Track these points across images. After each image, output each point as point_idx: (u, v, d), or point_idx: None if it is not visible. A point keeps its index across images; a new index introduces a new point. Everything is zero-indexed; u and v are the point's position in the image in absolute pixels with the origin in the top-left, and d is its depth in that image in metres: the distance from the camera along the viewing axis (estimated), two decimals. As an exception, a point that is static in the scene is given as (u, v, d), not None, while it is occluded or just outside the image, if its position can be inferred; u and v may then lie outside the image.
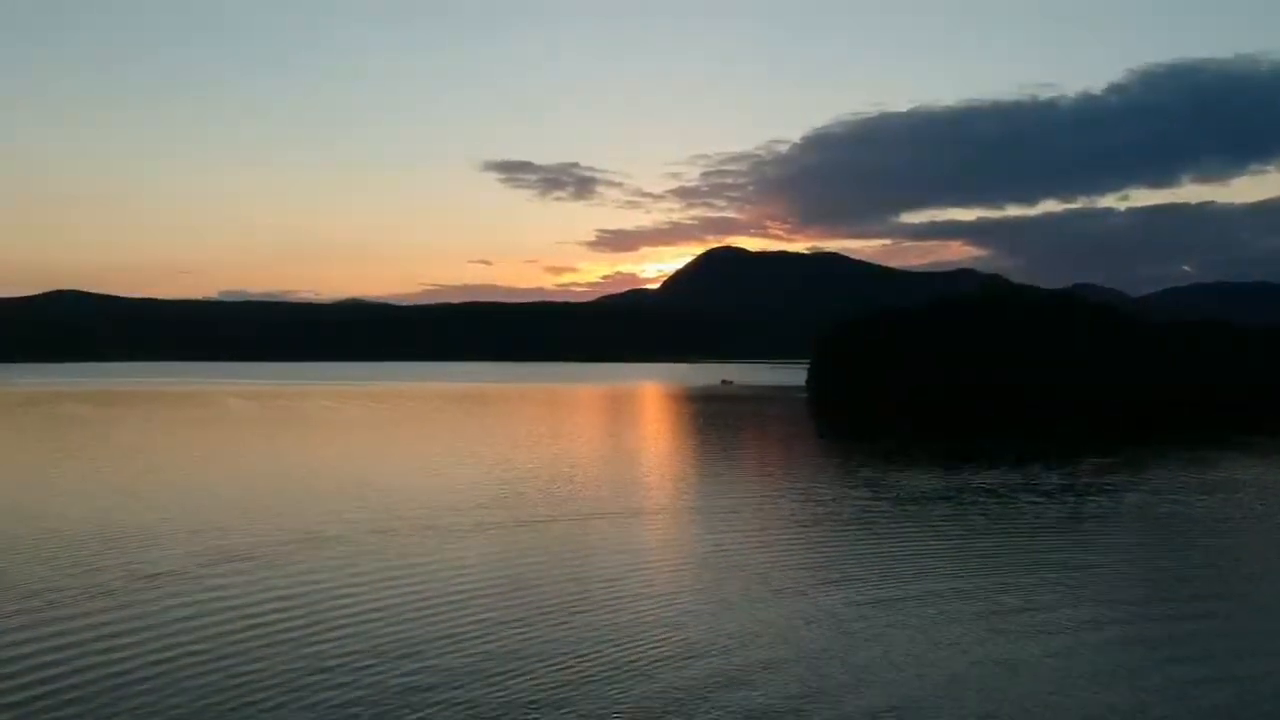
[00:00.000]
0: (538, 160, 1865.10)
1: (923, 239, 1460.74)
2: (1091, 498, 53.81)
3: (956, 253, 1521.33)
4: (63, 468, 65.80)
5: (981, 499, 53.15)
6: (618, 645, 26.49)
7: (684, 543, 41.44)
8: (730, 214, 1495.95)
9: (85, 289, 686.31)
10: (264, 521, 44.56)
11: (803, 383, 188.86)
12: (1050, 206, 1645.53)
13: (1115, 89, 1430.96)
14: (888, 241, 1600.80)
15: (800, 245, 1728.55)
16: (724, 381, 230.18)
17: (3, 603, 30.45)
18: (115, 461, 69.38)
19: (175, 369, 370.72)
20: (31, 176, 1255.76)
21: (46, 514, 46.33)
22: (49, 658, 25.10)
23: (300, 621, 28.65)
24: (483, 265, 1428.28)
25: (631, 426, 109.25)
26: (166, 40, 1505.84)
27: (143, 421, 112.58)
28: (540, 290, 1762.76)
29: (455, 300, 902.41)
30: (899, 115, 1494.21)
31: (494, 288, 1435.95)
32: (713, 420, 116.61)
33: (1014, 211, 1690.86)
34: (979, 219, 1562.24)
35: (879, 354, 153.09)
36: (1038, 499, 53.17)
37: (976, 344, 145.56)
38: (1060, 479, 61.44)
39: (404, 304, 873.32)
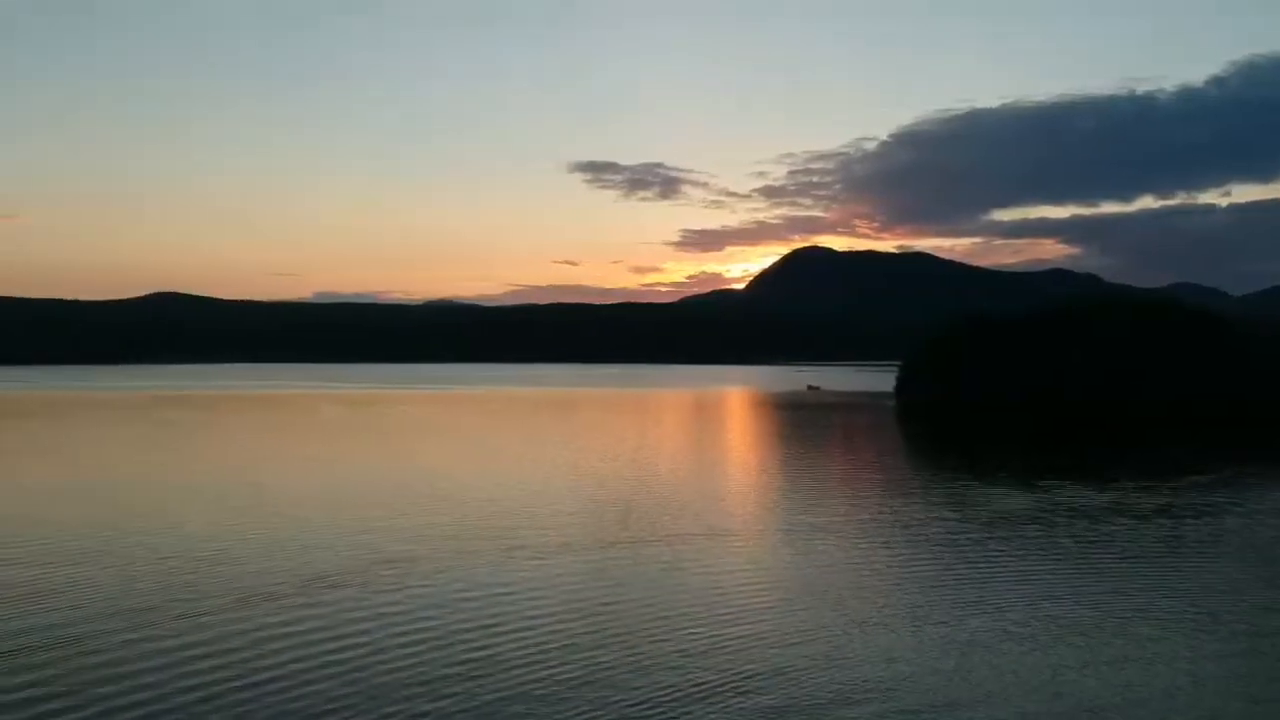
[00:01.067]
0: (623, 161, 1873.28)
1: (1014, 237, 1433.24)
2: (1189, 520, 52.81)
3: (1049, 251, 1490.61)
4: (196, 475, 68.59)
5: (1075, 519, 52.53)
6: (712, 665, 27.25)
7: (775, 564, 41.91)
8: (817, 213, 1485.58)
9: (185, 291, 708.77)
10: (349, 541, 46.08)
11: (891, 388, 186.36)
12: (1147, 203, 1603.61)
13: (1216, 81, 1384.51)
14: (978, 240, 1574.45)
15: (888, 244, 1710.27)
16: (810, 387, 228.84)
17: (180, 612, 32.24)
18: (216, 469, 72.09)
19: (272, 371, 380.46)
20: (129, 178, 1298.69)
21: (208, 526, 48.57)
22: (247, 660, 26.66)
23: (402, 640, 29.91)
24: (568, 266, 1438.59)
25: (717, 438, 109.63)
26: (259, 44, 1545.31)
27: (246, 428, 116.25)
28: (624, 290, 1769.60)
29: (541, 301, 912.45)
30: (990, 111, 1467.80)
31: (579, 288, 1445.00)
32: (799, 431, 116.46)
33: (1109, 209, 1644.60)
34: (1073, 216, 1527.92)
35: (972, 362, 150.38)
36: (1133, 521, 52.41)
37: (1076, 353, 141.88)
38: (1157, 499, 60.25)
39: (490, 304, 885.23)
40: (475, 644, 29.78)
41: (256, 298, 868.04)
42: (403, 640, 30.10)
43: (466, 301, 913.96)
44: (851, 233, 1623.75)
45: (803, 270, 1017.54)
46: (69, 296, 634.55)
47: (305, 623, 32.05)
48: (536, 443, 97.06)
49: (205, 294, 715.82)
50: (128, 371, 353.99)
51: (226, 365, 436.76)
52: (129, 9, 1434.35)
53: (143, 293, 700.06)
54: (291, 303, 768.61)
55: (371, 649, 29.26)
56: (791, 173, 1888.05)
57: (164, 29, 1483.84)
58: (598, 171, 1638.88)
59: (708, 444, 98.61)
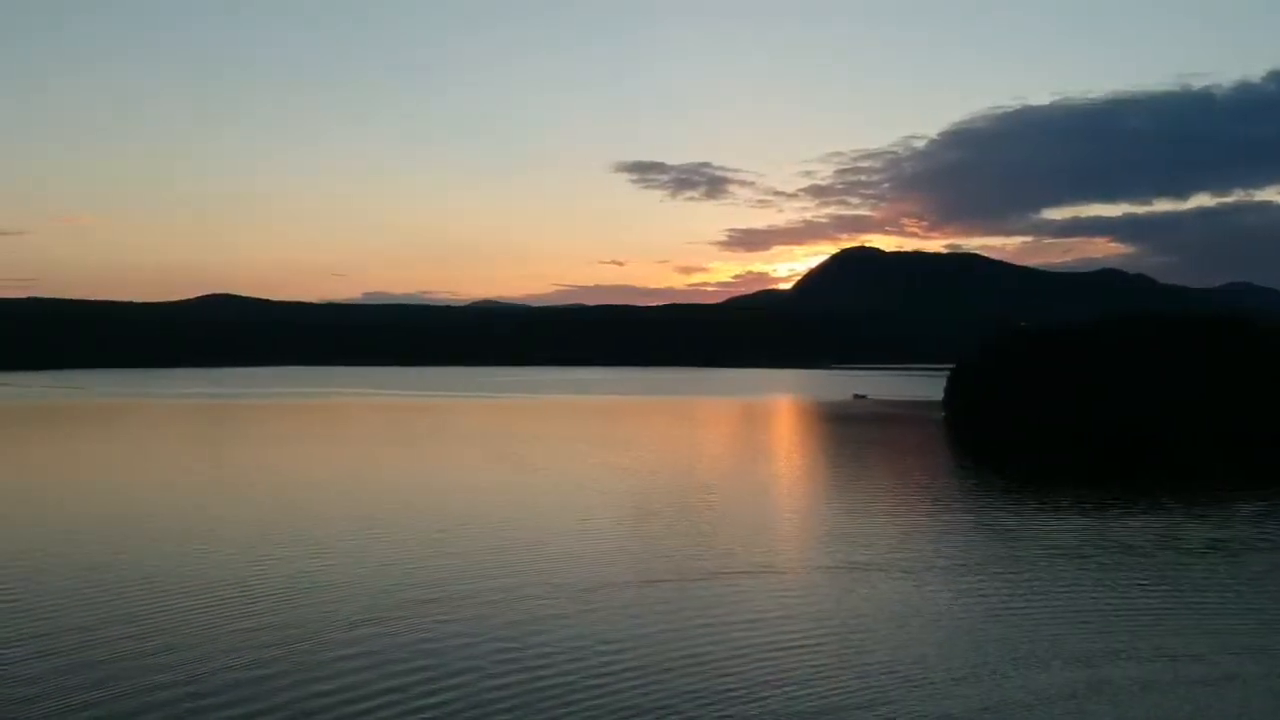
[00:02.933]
0: (669, 161, 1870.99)
1: (1065, 236, 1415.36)
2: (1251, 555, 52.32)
3: (1101, 250, 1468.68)
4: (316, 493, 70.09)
5: (1132, 553, 52.20)
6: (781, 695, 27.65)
7: (825, 600, 42.09)
8: (864, 212, 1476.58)
9: (237, 293, 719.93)
10: (439, 574, 46.95)
11: (940, 397, 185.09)
12: (1203, 201, 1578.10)
13: (1275, 76, 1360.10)
14: (1028, 239, 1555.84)
15: (937, 243, 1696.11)
16: (857, 396, 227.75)
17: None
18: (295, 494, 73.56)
19: (324, 377, 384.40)
20: (184, 179, 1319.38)
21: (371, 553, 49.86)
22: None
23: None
24: (614, 266, 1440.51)
25: (768, 459, 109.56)
26: (310, 45, 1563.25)
27: (348, 442, 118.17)
28: (670, 290, 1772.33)
29: (588, 301, 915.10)
30: (1041, 109, 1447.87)
31: (625, 288, 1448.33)
32: (846, 448, 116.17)
33: (1163, 207, 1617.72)
34: (1125, 215, 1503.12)
35: (1022, 376, 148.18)
36: (1191, 557, 52.10)
37: (1133, 370, 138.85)
38: (1227, 531, 59.57)
39: (537, 305, 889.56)
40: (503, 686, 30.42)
41: (307, 299, 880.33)
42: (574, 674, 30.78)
43: (513, 302, 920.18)
44: (899, 232, 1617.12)
45: (850, 270, 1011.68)
46: (125, 298, 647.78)
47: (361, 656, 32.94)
48: (582, 465, 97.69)
49: (257, 295, 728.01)
50: (188, 377, 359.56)
51: (279, 369, 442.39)
52: (185, 12, 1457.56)
53: (197, 294, 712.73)
54: (341, 304, 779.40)
55: (481, 677, 29.97)
56: (839, 171, 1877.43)
57: (218, 31, 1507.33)
58: (644, 171, 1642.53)
59: (761, 467, 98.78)
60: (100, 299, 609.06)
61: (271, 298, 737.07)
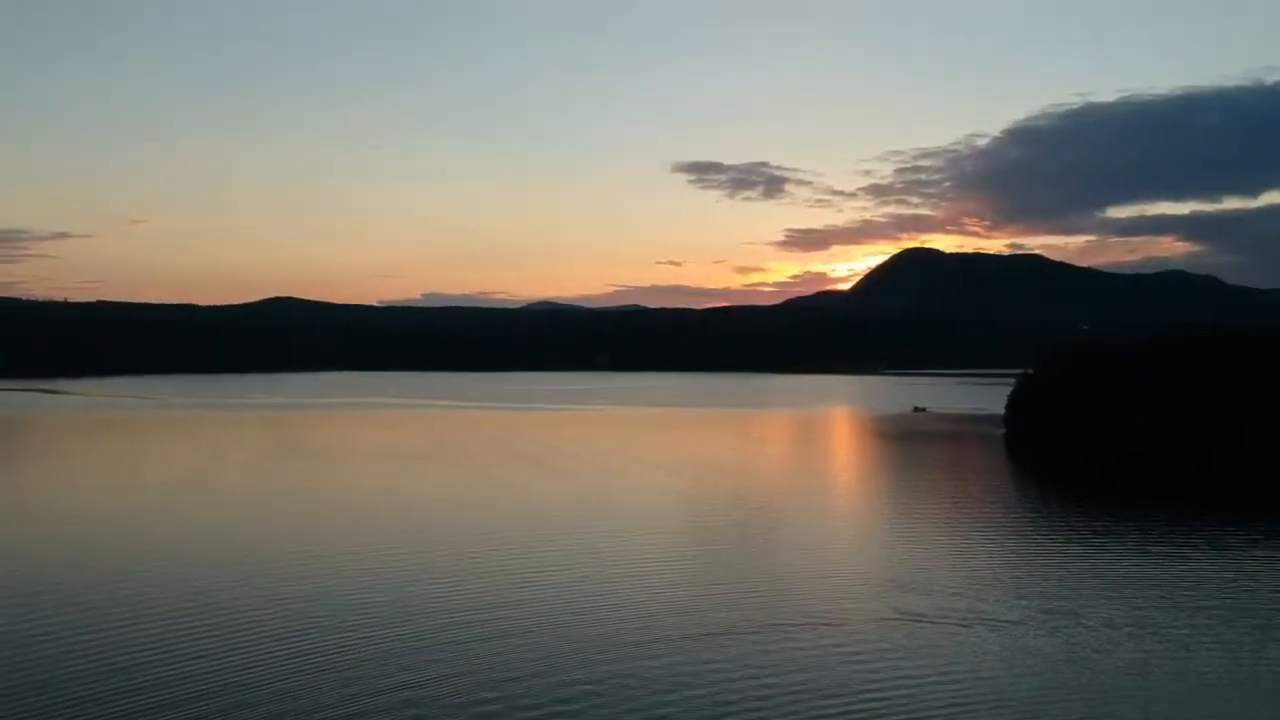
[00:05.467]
0: (727, 160, 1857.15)
1: (1130, 235, 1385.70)
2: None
3: (1166, 249, 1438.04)
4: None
5: (1225, 595, 51.13)
6: None
7: (893, 657, 41.88)
8: (925, 211, 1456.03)
9: (299, 296, 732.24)
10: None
11: (1001, 409, 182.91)
12: (1274, 198, 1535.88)
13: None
14: (1091, 238, 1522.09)
15: (999, 242, 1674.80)
16: (916, 409, 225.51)
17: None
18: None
19: (380, 383, 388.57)
20: (240, 182, 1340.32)
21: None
22: None
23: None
24: (671, 266, 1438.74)
25: (820, 488, 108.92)
26: (368, 48, 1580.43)
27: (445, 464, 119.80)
28: (727, 291, 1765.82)
29: (644, 302, 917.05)
30: (1106, 106, 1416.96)
31: (682, 288, 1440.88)
32: (908, 475, 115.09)
33: (1232, 204, 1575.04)
34: (1193, 213, 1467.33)
35: (1089, 393, 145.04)
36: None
37: (1211, 387, 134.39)
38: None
39: (593, 306, 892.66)
40: None
41: (366, 300, 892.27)
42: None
43: (569, 302, 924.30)
44: (960, 231, 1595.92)
45: (909, 271, 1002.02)
46: (189, 300, 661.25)
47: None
48: (647, 488, 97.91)
49: (318, 298, 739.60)
50: (252, 385, 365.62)
51: (339, 374, 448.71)
52: (243, 15, 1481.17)
53: (260, 297, 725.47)
54: (399, 306, 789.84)
55: None
56: (899, 170, 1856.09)
57: (278, 35, 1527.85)
58: (701, 172, 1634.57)
59: (819, 500, 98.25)
60: (165, 302, 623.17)
61: (332, 300, 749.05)
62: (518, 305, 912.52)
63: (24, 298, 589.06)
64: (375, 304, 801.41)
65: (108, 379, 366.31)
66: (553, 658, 43.98)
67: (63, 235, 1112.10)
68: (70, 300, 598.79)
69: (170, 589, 55.82)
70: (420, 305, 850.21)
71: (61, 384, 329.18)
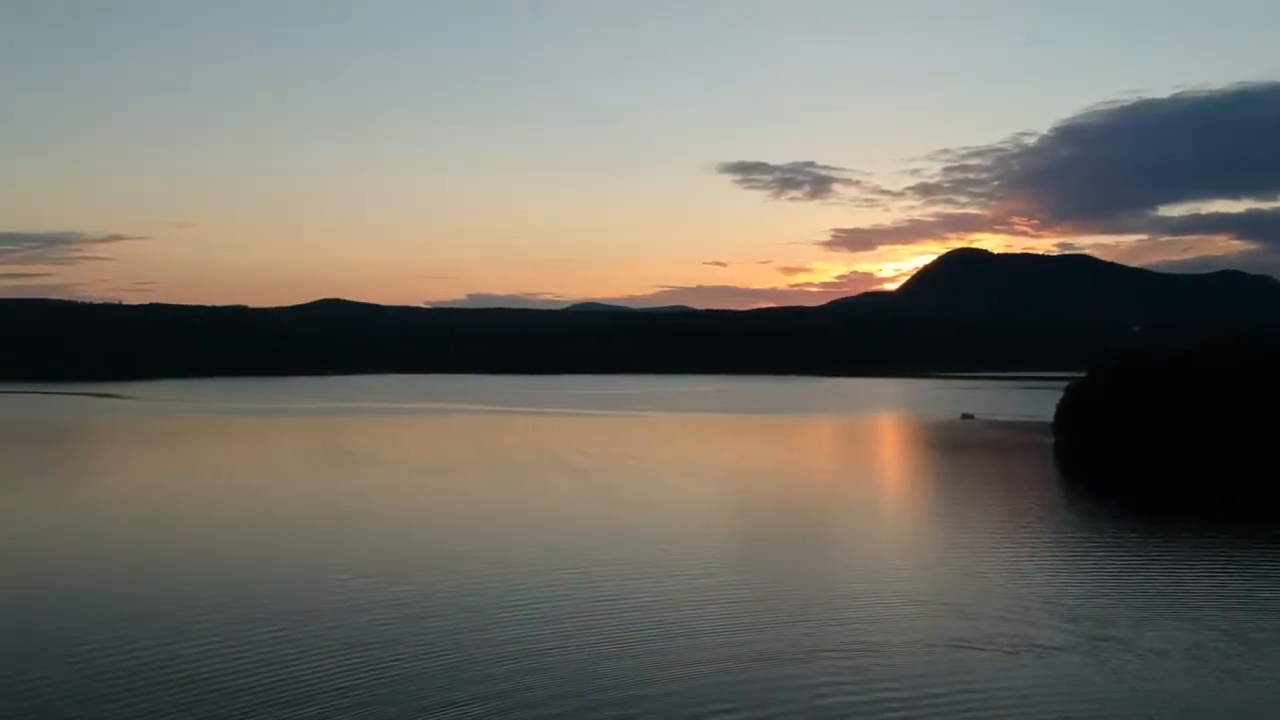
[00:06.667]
0: (773, 160, 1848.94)
1: (1183, 234, 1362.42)
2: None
3: (1220, 248, 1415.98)
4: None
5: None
6: None
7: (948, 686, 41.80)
8: (973, 210, 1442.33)
9: (348, 298, 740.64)
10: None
11: (1050, 415, 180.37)
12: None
13: None
14: (1143, 237, 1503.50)
15: (1048, 242, 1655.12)
16: (964, 416, 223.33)
17: None
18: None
19: (429, 387, 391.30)
20: (290, 184, 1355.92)
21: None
22: None
23: None
24: (716, 266, 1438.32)
25: (866, 503, 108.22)
26: (417, 47, 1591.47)
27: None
28: (773, 291, 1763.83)
29: (689, 302, 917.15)
30: (1159, 102, 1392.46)
31: (727, 289, 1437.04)
32: (953, 484, 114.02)
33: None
34: (1249, 210, 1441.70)
35: (1145, 403, 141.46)
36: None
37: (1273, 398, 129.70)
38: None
39: (638, 306, 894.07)
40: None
41: (413, 302, 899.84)
42: None
43: (614, 303, 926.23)
44: (1009, 230, 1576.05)
45: (957, 271, 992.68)
46: (240, 302, 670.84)
47: None
48: (694, 502, 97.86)
49: (367, 300, 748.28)
50: (305, 389, 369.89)
51: (387, 376, 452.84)
52: (292, 16, 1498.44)
53: (309, 299, 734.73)
54: (445, 308, 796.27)
55: None
56: (947, 169, 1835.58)
57: (327, 36, 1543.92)
58: (747, 172, 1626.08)
59: (864, 521, 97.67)
60: (216, 304, 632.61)
61: (379, 301, 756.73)
62: (562, 306, 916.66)
63: (79, 300, 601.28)
64: (422, 305, 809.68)
65: (159, 382, 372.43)
66: (588, 678, 44.10)
67: (116, 238, 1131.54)
68: (124, 303, 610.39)
69: (237, 595, 56.58)
70: (466, 306, 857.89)
71: (114, 387, 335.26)
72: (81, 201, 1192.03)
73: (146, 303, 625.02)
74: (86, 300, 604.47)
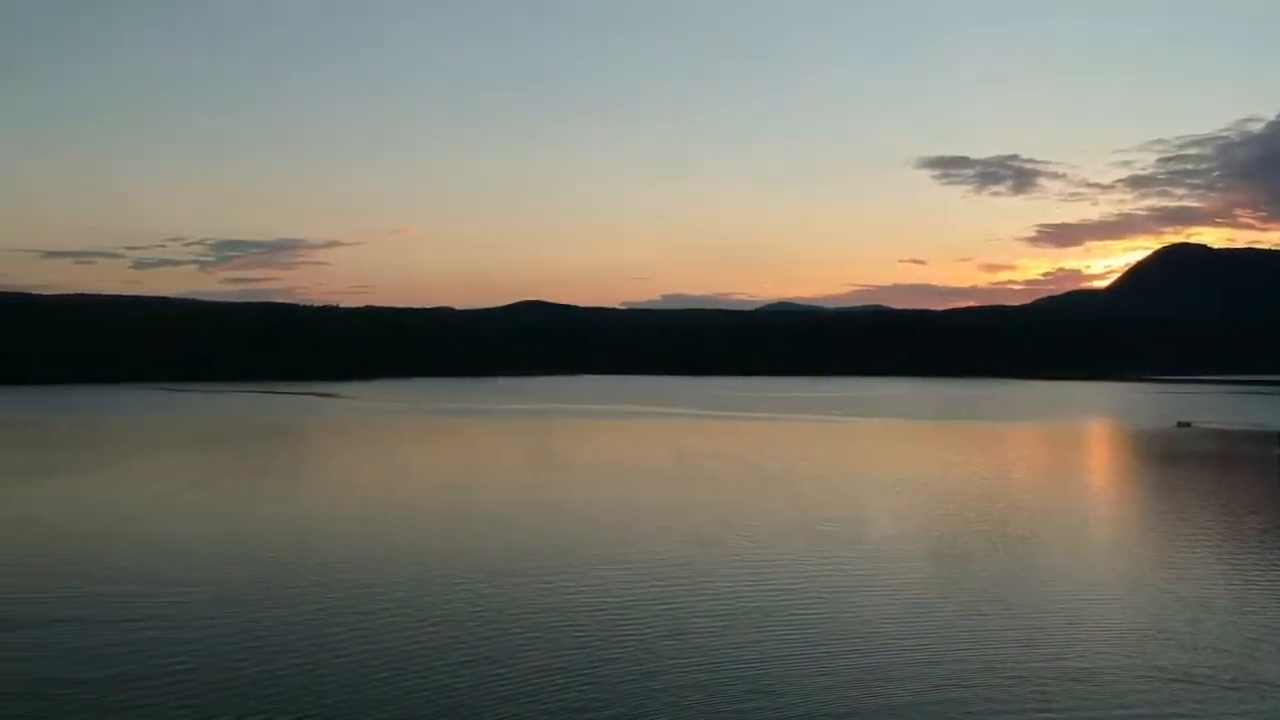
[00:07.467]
0: (974, 154, 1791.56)
1: None
2: None
3: None
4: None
5: None
6: None
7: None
8: (1191, 203, 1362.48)
9: (546, 299, 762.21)
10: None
11: (1277, 424, 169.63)
12: None
13: None
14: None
15: (1275, 235, 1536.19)
16: (1180, 424, 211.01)
17: None
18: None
19: (624, 386, 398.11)
20: (491, 189, 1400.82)
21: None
22: None
23: None
24: (914, 264, 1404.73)
25: (1072, 513, 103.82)
26: (608, 49, 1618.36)
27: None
28: (974, 290, 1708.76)
29: (886, 301, 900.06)
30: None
31: (926, 287, 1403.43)
32: (1168, 500, 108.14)
33: None
34: None
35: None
36: None
37: None
38: None
39: (833, 306, 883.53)
40: None
41: (609, 303, 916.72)
42: None
43: (807, 302, 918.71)
44: (1231, 224, 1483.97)
45: (1173, 268, 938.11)
46: (445, 304, 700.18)
47: None
48: (890, 523, 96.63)
49: (563, 301, 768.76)
50: (508, 388, 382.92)
51: (583, 377, 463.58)
52: (496, 26, 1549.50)
53: (510, 300, 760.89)
54: (640, 308, 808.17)
55: None
56: (1161, 160, 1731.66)
57: (529, 44, 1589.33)
58: (946, 167, 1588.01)
59: (1073, 527, 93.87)
60: (425, 306, 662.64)
61: (576, 303, 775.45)
62: (756, 306, 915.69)
63: (301, 304, 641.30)
64: (618, 306, 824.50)
65: (373, 382, 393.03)
66: (777, 693, 44.19)
67: (334, 243, 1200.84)
68: (341, 305, 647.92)
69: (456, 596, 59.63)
70: (660, 307, 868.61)
71: (333, 387, 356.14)
72: (303, 210, 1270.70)
73: (362, 305, 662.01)
74: (307, 303, 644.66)
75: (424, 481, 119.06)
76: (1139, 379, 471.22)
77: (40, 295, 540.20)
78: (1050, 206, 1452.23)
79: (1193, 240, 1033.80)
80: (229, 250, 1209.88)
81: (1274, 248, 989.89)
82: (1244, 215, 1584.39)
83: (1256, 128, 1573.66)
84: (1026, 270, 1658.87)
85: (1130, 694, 45.79)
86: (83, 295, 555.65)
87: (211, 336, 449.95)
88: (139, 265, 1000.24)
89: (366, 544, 78.49)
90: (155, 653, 49.95)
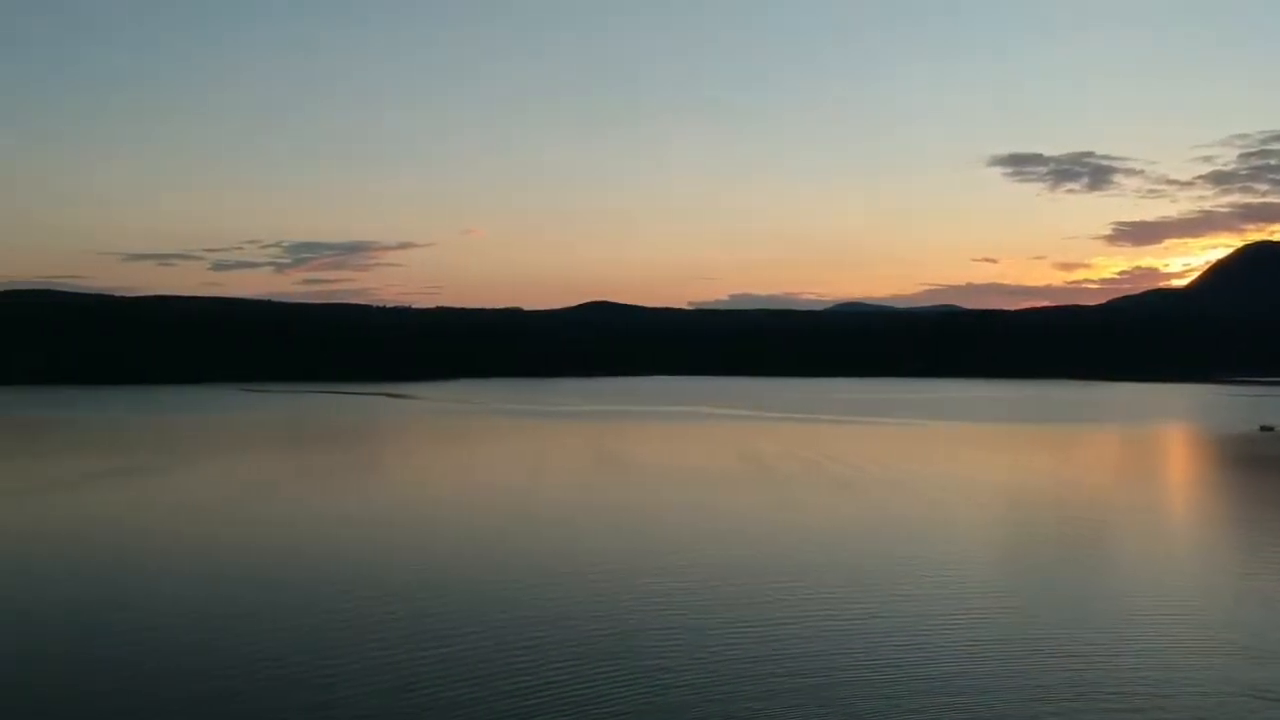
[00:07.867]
0: (1048, 151, 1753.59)
1: None
2: None
3: None
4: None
5: None
6: None
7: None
8: (1274, 199, 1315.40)
9: (613, 300, 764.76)
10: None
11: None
12: None
13: None
14: None
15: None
16: (1264, 428, 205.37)
17: None
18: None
19: (692, 387, 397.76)
20: (559, 191, 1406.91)
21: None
22: None
23: None
24: (987, 263, 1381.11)
25: (1151, 522, 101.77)
26: (674, 54, 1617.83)
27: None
28: (1048, 289, 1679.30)
29: (957, 301, 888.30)
30: None
31: (998, 286, 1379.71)
32: (1253, 509, 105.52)
33: None
34: None
35: None
36: None
37: None
38: None
39: (903, 306, 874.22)
40: None
41: (677, 304, 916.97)
42: None
43: (877, 302, 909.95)
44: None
45: (1256, 266, 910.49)
46: (515, 305, 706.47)
47: None
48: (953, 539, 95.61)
49: (631, 302, 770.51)
50: (577, 389, 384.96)
51: (650, 378, 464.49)
52: (563, 27, 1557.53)
53: (579, 301, 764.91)
54: (708, 309, 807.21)
55: None
56: (1244, 155, 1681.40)
57: (595, 46, 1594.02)
58: (1019, 164, 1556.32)
59: (1152, 538, 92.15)
60: (495, 306, 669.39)
61: (644, 304, 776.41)
62: (825, 306, 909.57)
63: (374, 305, 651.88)
64: (685, 306, 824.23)
65: (443, 383, 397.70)
66: (841, 703, 43.97)
67: (407, 245, 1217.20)
68: (413, 306, 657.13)
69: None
70: (728, 307, 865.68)
71: (405, 387, 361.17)
72: (377, 212, 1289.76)
73: (434, 306, 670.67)
74: (380, 304, 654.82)
75: (510, 483, 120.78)
76: (1222, 381, 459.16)
77: (122, 297, 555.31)
78: (1127, 204, 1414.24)
79: (1277, 238, 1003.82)
80: (304, 252, 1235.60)
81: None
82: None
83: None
84: (1102, 269, 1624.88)
85: (1210, 712, 44.86)
86: (163, 296, 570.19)
87: (286, 337, 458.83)
88: (217, 267, 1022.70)
89: (477, 549, 79.83)
90: (253, 645, 51.71)
